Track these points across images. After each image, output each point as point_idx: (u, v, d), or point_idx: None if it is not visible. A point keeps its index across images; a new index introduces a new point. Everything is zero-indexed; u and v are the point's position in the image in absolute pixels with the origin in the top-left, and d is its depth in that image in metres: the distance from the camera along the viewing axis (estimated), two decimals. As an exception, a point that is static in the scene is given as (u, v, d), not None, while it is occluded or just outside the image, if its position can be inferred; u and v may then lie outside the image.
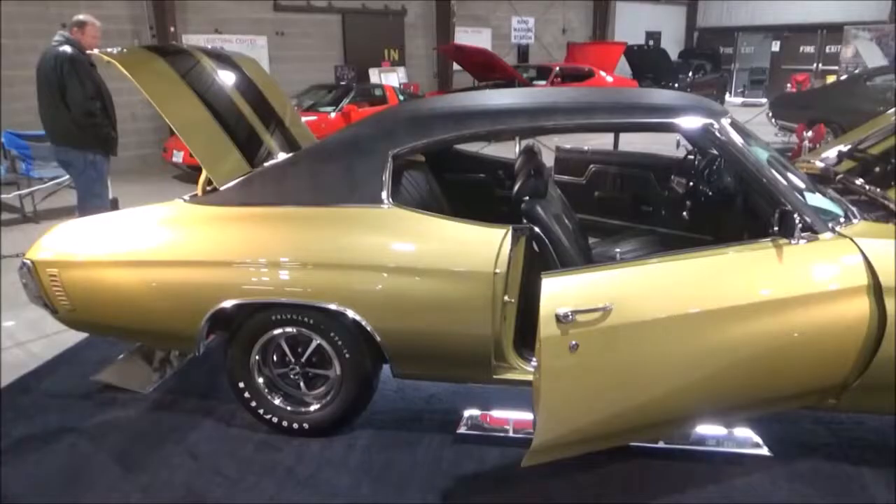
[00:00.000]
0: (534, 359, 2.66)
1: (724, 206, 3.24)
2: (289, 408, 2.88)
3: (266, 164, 2.98)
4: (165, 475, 2.67)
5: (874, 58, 12.97)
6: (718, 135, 2.48)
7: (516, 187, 2.88)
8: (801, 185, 2.59)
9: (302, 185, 2.72)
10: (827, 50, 18.99)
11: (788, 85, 15.59)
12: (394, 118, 2.86)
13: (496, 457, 2.75)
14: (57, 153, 4.95)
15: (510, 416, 2.89)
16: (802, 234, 2.29)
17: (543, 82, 13.23)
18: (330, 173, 2.71)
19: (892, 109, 3.75)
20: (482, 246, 2.50)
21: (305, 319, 2.71)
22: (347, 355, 2.73)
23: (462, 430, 2.82)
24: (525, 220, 2.75)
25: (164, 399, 3.23)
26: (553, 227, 2.73)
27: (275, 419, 2.89)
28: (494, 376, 2.67)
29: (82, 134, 4.74)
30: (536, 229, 2.71)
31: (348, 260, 2.57)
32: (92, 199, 4.93)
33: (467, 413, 2.94)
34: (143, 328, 2.87)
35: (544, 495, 2.53)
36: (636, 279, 2.14)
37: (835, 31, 18.00)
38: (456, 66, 14.02)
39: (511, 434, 2.80)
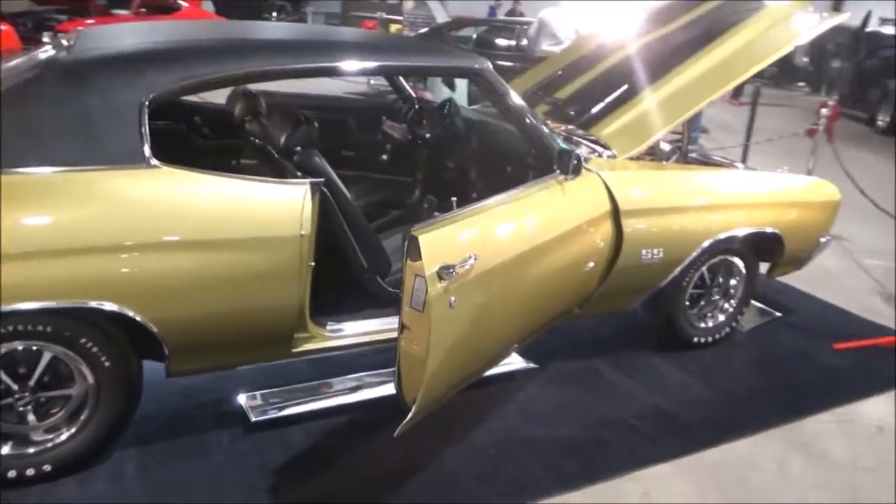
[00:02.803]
0: (330, 324, 2.50)
1: (450, 149, 3.42)
2: (30, 450, 2.10)
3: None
4: None
5: (440, 13, 14.83)
6: (490, 80, 2.59)
7: (284, 136, 2.54)
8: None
9: (12, 144, 1.92)
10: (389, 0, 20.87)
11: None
12: (139, 52, 2.20)
13: (302, 437, 2.50)
14: None
15: (301, 389, 2.67)
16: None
17: (125, 12, 11.60)
18: (56, 126, 1.98)
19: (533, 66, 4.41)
20: (283, 206, 2.19)
21: (40, 328, 1.99)
22: (107, 362, 2.11)
23: (259, 417, 2.48)
24: (300, 173, 2.47)
25: None
26: (335, 179, 2.52)
27: (-5, 472, 2.08)
28: (293, 350, 2.41)
29: None
30: None
31: (110, 239, 1.97)
32: None
33: (244, 398, 2.60)
34: None
35: (369, 461, 2.43)
36: (483, 225, 2.16)
37: (395, -16, 19.86)
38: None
39: (311, 408, 2.59)
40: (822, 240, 3.47)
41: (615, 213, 2.76)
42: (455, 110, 3.35)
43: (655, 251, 2.89)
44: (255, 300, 2.20)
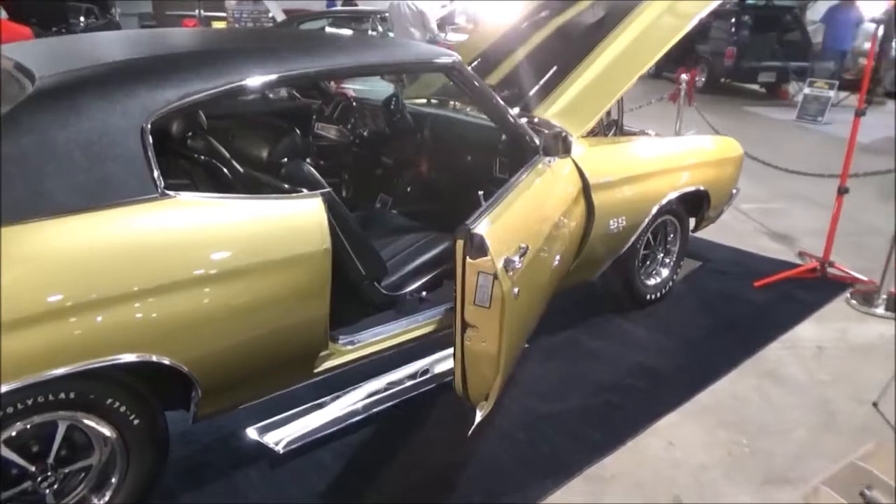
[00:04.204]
0: (342, 337, 2.42)
1: (402, 145, 3.38)
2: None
3: None
4: None
5: (274, 5, 14.29)
6: (464, 73, 2.60)
7: (267, 150, 2.40)
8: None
9: (6, 194, 1.64)
10: (206, -4, 19.69)
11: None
12: (122, 70, 1.94)
13: (332, 456, 2.41)
14: None
15: (308, 411, 2.53)
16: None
17: None
18: (51, 167, 1.71)
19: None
20: (305, 221, 2.09)
21: (62, 396, 1.75)
22: (136, 420, 1.90)
23: (286, 447, 2.33)
24: (288, 185, 2.34)
25: None
26: (328, 187, 2.42)
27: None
28: (315, 370, 2.31)
29: None
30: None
31: (133, 284, 1.76)
32: None
33: (256, 432, 2.43)
34: None
35: (410, 466, 2.41)
36: (519, 215, 2.18)
37: (212, -21, 18.77)
38: None
39: (333, 428, 2.48)
40: (733, 192, 3.88)
41: (586, 189, 2.90)
42: (402, 105, 3.32)
43: (620, 219, 3.08)
44: (287, 322, 2.08)
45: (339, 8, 12.51)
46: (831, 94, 9.17)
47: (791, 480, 2.36)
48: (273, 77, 2.09)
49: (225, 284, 1.92)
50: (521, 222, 2.17)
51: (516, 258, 1.94)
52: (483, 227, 1.93)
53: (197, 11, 21.02)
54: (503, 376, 2.00)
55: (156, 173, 1.83)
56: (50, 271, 1.67)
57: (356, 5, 13.95)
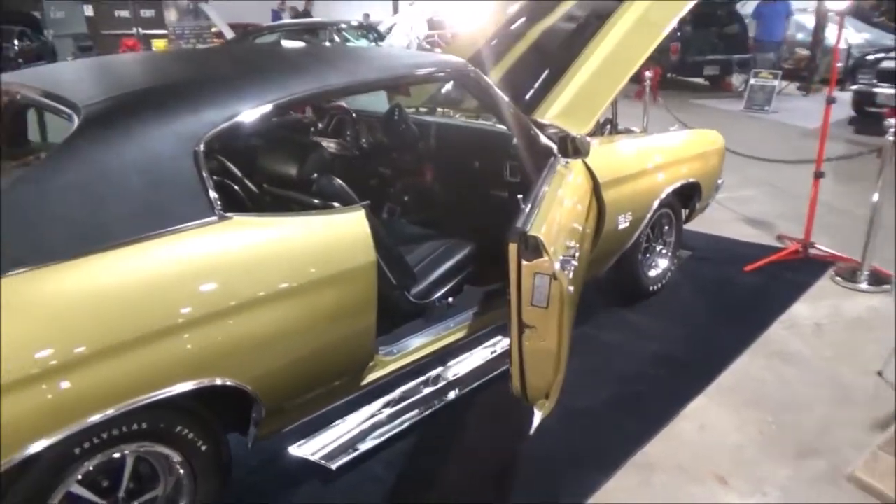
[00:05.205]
0: (382, 348, 2.43)
1: (409, 154, 3.40)
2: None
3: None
4: None
5: (220, 21, 14.05)
6: (480, 81, 2.65)
7: (297, 167, 2.39)
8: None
9: (58, 228, 1.61)
10: (142, 14, 19.22)
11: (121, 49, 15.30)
12: (175, 89, 1.92)
13: (383, 467, 2.42)
14: None
15: (344, 425, 2.53)
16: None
17: None
18: (108, 197, 1.69)
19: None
20: (353, 234, 2.11)
21: (136, 427, 1.72)
22: (204, 446, 1.88)
23: (339, 462, 2.32)
24: (319, 199, 2.36)
25: None
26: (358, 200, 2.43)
27: None
28: (362, 383, 2.33)
29: None
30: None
31: (205, 308, 1.75)
32: None
33: (302, 450, 2.42)
34: None
35: (460, 466, 2.44)
36: (559, 216, 2.23)
37: (149, -5, 18.30)
38: None
39: (380, 438, 2.48)
40: (719, 182, 4.04)
41: (596, 187, 2.99)
42: (405, 115, 3.34)
43: (627, 215, 3.18)
44: (340, 335, 2.10)
45: (292, 20, 12.40)
46: (776, 83, 9.59)
47: (821, 452, 2.49)
48: (313, 92, 2.10)
49: (283, 302, 1.92)
50: (563, 223, 2.23)
51: (571, 257, 2.00)
52: (540, 229, 1.98)
53: (135, 30, 20.47)
54: (563, 374, 2.05)
55: (213, 196, 1.82)
56: (117, 303, 1.64)
57: (311, 16, 13.79)
